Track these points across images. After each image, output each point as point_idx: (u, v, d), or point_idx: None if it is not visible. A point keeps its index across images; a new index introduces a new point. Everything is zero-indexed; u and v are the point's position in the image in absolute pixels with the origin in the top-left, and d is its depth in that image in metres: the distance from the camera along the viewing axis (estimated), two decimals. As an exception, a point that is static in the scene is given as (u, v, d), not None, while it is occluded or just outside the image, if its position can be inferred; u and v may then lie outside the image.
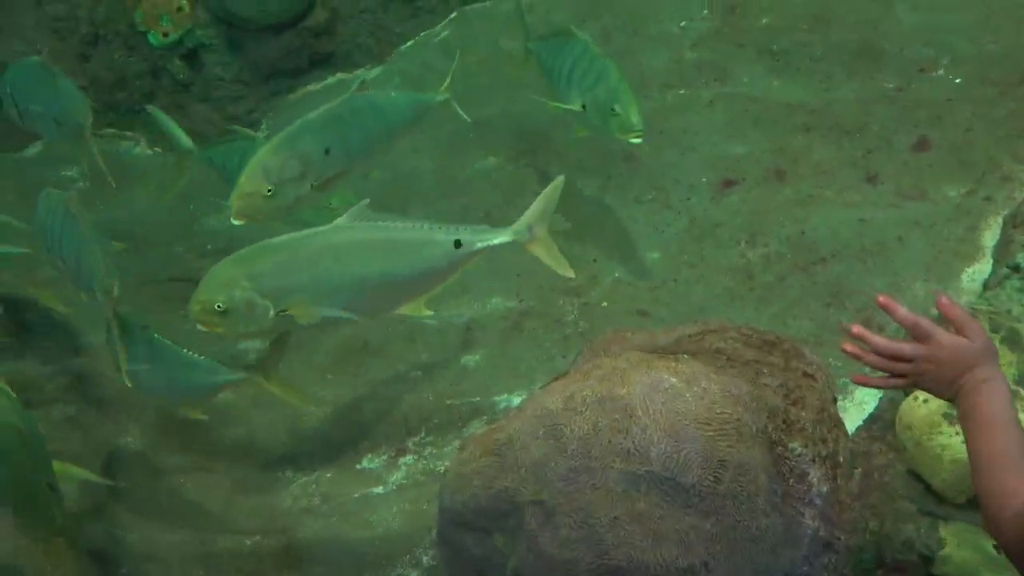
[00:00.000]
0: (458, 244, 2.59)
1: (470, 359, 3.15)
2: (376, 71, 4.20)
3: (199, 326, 2.50)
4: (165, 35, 4.03)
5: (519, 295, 3.29)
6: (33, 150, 3.99)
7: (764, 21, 3.93)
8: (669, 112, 3.67)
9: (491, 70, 3.99)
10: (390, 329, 3.20)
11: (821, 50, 3.80)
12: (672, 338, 2.39)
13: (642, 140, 3.03)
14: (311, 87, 4.14)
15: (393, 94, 3.07)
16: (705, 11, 4.04)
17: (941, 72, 3.62)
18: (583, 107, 3.09)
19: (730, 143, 3.55)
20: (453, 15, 4.23)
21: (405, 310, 2.62)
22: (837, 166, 3.43)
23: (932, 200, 3.26)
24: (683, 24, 4.00)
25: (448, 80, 3.14)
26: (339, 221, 2.55)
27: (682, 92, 3.74)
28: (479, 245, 2.59)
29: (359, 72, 4.23)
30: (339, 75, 4.21)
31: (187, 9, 4.02)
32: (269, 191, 2.63)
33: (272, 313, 2.47)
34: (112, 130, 4.06)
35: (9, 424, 2.39)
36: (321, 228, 2.56)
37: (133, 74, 4.11)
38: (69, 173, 3.91)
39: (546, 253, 2.65)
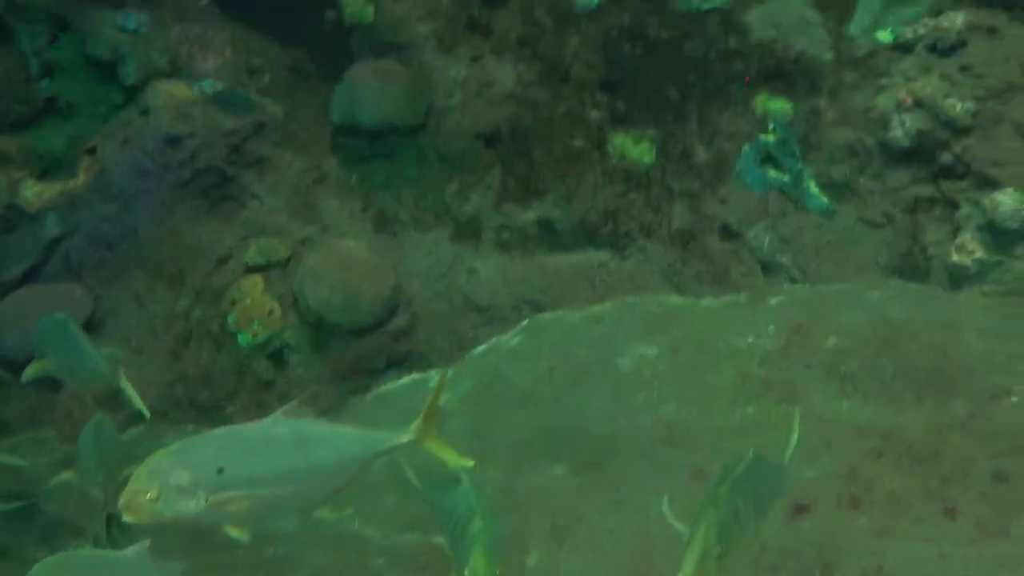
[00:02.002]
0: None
1: None
2: (450, 373, 4.32)
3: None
4: (255, 336, 4.26)
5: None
6: (134, 431, 4.14)
7: (831, 342, 3.98)
8: (735, 433, 3.67)
9: (562, 377, 4.07)
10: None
11: (890, 373, 3.81)
12: None
13: None
14: (385, 387, 4.27)
15: (329, 429, 2.82)
16: (771, 327, 4.12)
17: (1015, 399, 3.58)
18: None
19: (801, 466, 3.50)
20: (525, 323, 4.39)
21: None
22: (912, 495, 3.34)
23: (1015, 539, 3.12)
24: (750, 340, 4.07)
25: (418, 421, 2.82)
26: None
27: (750, 410, 3.75)
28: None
29: (432, 372, 4.37)
30: (414, 375, 4.35)
31: (278, 313, 4.27)
32: (153, 496, 2.62)
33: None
34: (192, 427, 4.21)
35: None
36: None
37: (219, 372, 4.31)
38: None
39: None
